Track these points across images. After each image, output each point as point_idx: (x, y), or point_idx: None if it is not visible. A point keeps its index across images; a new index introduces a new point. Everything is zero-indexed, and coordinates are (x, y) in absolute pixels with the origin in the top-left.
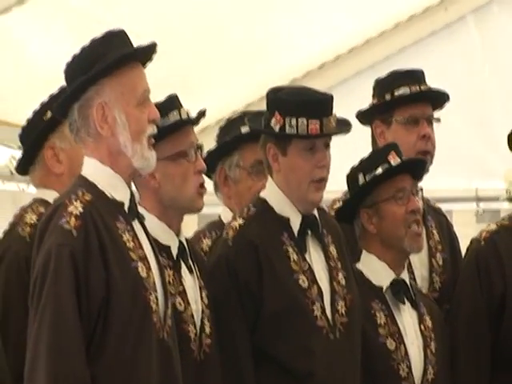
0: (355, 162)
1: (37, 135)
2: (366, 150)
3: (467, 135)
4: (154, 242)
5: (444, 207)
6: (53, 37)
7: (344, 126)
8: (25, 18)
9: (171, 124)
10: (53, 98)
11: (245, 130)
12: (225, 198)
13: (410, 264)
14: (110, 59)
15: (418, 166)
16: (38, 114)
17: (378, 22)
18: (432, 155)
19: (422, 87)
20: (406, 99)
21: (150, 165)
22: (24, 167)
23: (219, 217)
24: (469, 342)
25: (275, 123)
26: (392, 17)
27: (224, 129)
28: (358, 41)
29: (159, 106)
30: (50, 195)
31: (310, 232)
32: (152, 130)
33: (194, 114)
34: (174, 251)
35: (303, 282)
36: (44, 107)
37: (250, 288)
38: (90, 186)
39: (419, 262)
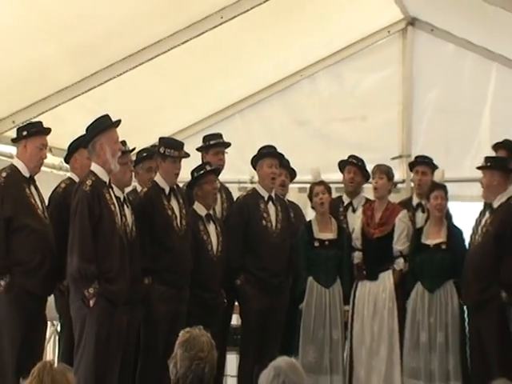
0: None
1: (70, 152)
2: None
3: (239, 154)
4: (117, 197)
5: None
6: (76, 116)
7: (187, 155)
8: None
9: (123, 151)
10: (77, 139)
11: (145, 154)
12: (138, 182)
13: (214, 208)
14: (102, 127)
15: (216, 172)
16: (72, 145)
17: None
18: (223, 165)
19: (221, 140)
20: (213, 146)
21: (115, 170)
22: (66, 163)
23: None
24: (233, 237)
25: (162, 150)
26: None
27: (137, 155)
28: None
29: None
30: (74, 177)
31: (172, 194)
32: (119, 154)
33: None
34: (121, 198)
35: (170, 213)
36: (73, 143)
37: (150, 214)
38: (94, 174)
39: (221, 206)
